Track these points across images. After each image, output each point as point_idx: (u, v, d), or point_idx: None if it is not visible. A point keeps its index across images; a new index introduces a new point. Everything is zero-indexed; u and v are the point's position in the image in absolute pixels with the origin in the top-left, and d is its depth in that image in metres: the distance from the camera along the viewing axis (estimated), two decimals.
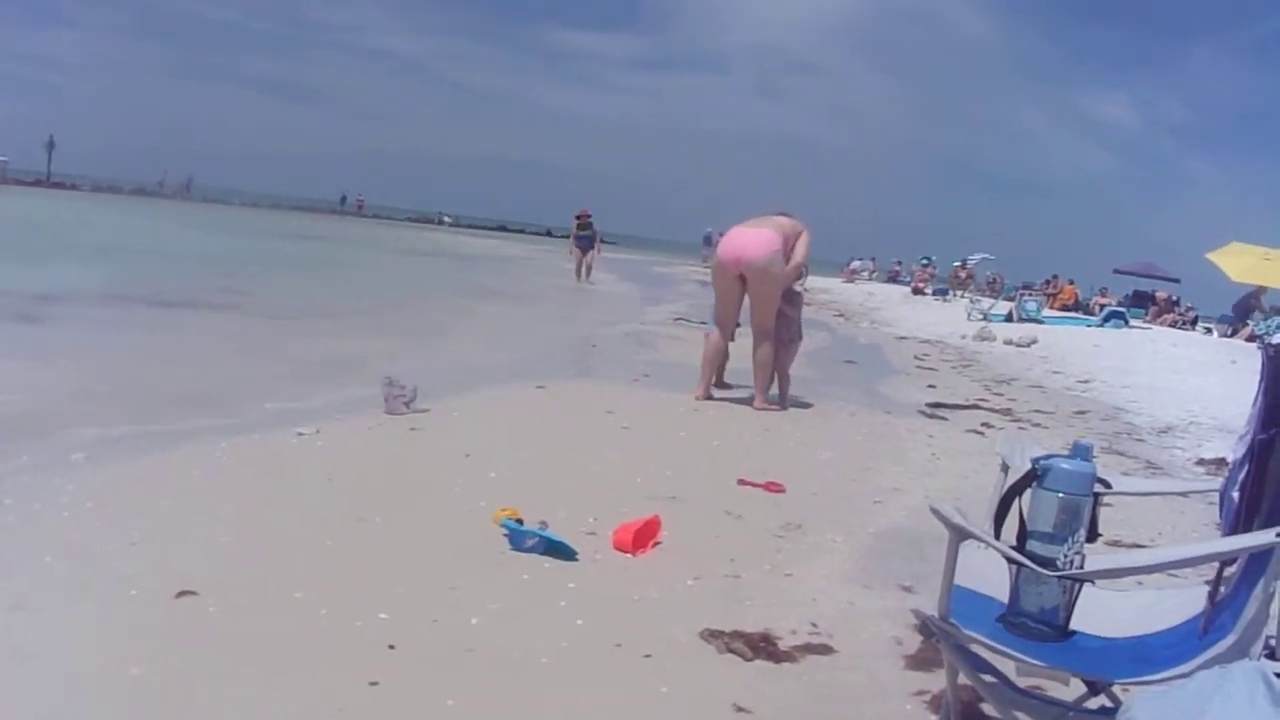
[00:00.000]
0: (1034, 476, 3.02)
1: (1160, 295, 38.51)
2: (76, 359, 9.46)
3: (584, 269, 28.95)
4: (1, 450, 5.89)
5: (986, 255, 46.62)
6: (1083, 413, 11.59)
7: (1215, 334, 30.16)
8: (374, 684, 3.37)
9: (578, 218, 29.41)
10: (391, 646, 3.66)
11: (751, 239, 9.69)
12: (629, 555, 4.87)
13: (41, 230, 28.72)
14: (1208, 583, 2.86)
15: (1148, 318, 33.43)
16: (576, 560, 4.74)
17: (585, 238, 29.27)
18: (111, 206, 50.25)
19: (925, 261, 48.61)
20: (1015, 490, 3.10)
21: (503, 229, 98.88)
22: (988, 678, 2.88)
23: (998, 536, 3.04)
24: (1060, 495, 2.93)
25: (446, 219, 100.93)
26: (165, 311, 13.77)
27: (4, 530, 4.61)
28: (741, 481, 6.45)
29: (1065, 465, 2.99)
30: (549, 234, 63.35)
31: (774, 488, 6.38)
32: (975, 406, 11.10)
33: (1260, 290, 27.11)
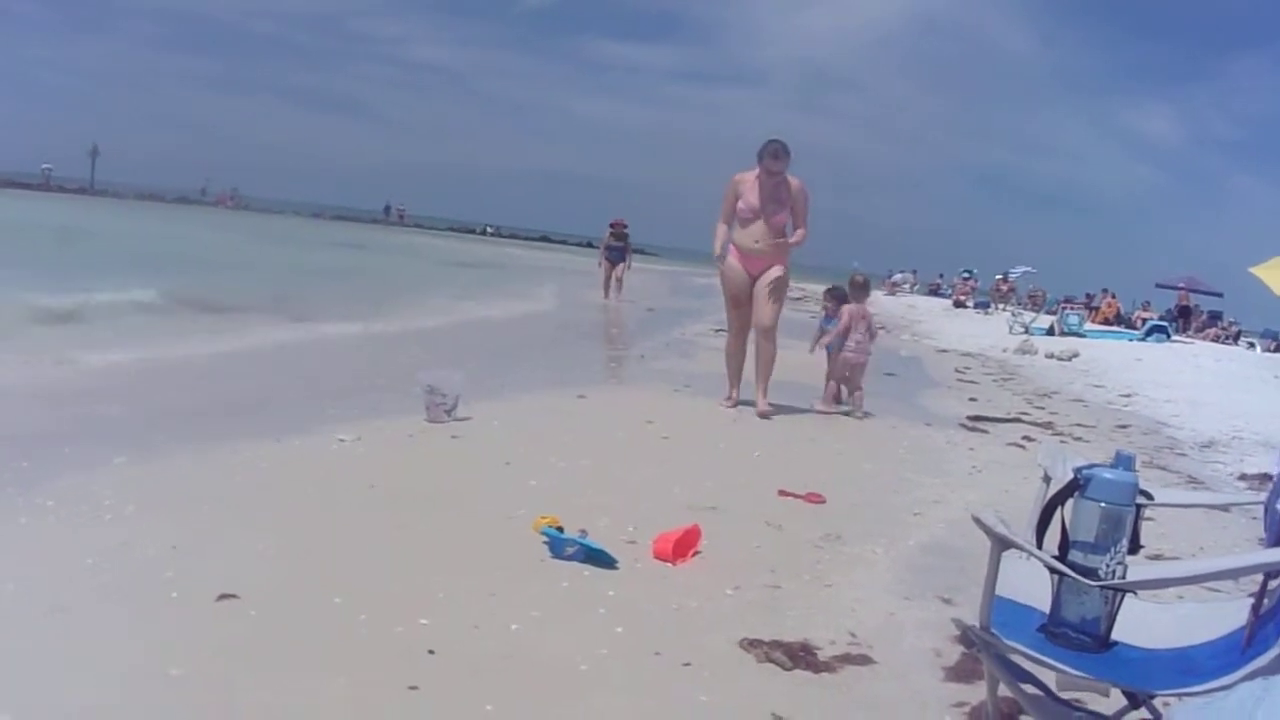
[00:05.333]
0: (1076, 486, 3.00)
1: (1181, 296, 38.40)
2: (122, 362, 9.53)
3: (614, 284, 26.54)
4: (44, 453, 5.94)
5: (1028, 269, 46.44)
6: (1124, 427, 11.51)
7: (1259, 349, 29.91)
8: (413, 688, 3.39)
9: (612, 226, 27.11)
10: (431, 651, 3.68)
11: None
12: (669, 564, 4.87)
13: (101, 239, 29.08)
14: (1251, 595, 2.83)
15: (1190, 332, 33.25)
16: (616, 568, 4.74)
17: (617, 249, 26.95)
18: (161, 215, 50.87)
19: (967, 274, 48.49)
20: (1057, 500, 3.08)
21: (545, 239, 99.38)
22: (1029, 688, 2.86)
23: (1039, 546, 3.03)
24: (1103, 505, 2.91)
25: (489, 229, 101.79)
26: (214, 317, 13.88)
27: (46, 533, 4.66)
28: (782, 492, 6.44)
29: (1108, 475, 2.97)
30: (590, 245, 63.58)
31: (814, 498, 6.36)
32: (1016, 420, 11.02)
33: None
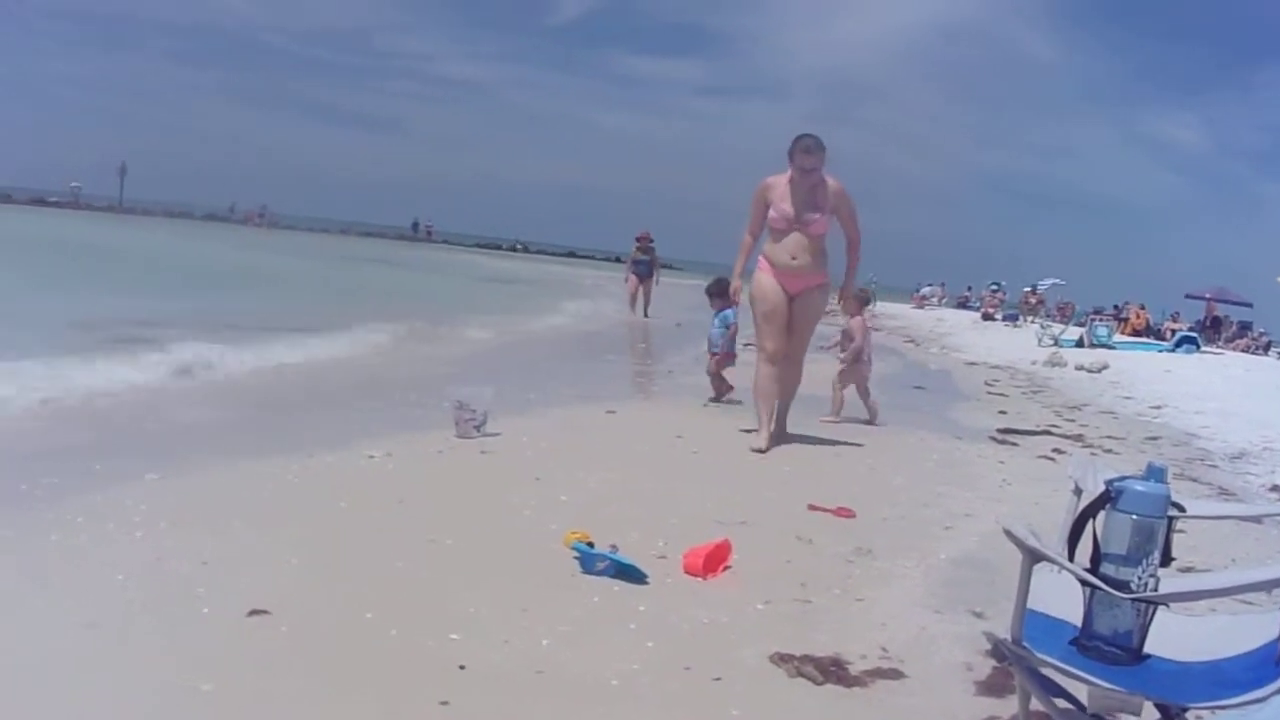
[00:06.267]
0: (1108, 498, 2.99)
1: (1208, 307, 38.17)
2: (151, 379, 9.58)
3: (641, 300, 25.73)
4: (75, 470, 6.00)
5: (1057, 280, 46.25)
6: (1155, 438, 11.42)
7: None
8: (444, 703, 3.40)
9: (638, 240, 26.25)
10: (462, 667, 3.69)
11: None
12: (699, 579, 4.86)
13: (137, 258, 29.32)
14: None
15: (1220, 343, 33.05)
16: (647, 583, 4.74)
17: (644, 263, 26.01)
18: (193, 234, 51.27)
19: (995, 287, 48.32)
20: (1089, 512, 3.07)
21: (572, 255, 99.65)
22: (1060, 702, 2.85)
23: (1071, 559, 3.02)
24: (1134, 517, 2.90)
25: (518, 245, 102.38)
26: (243, 333, 13.95)
27: (77, 549, 4.69)
28: (812, 506, 6.42)
29: (1139, 487, 2.96)
30: (617, 260, 63.95)
31: (844, 513, 6.34)
32: (1046, 432, 10.96)
33: None
